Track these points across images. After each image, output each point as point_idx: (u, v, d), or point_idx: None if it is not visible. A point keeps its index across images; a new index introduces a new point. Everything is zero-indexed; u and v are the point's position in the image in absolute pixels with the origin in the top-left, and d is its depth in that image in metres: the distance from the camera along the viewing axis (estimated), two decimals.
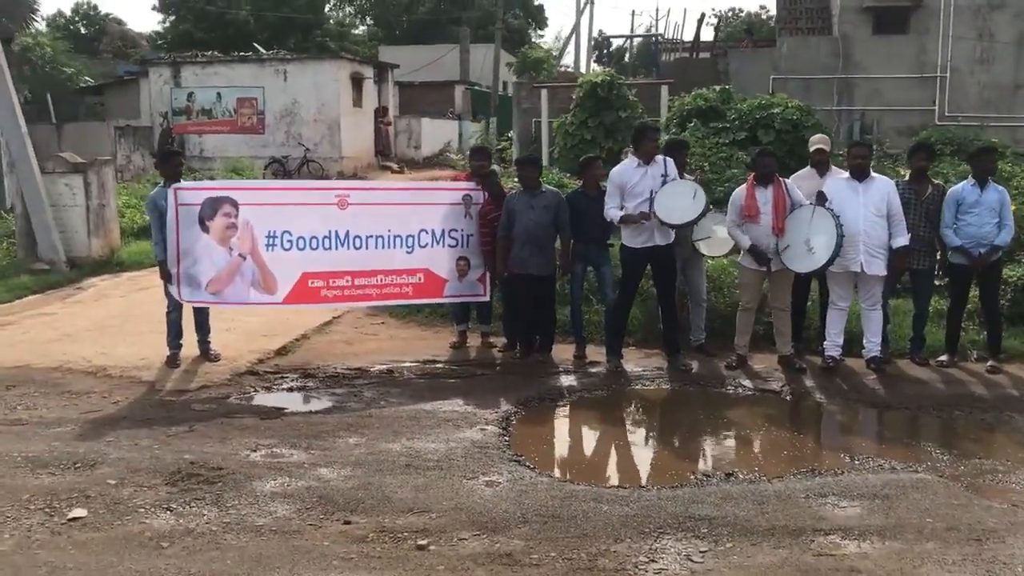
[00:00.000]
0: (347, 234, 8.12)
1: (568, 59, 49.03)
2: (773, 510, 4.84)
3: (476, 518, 4.78)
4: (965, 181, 7.78)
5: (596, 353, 8.25)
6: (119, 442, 6.02)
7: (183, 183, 7.98)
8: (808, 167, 8.22)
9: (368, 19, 57.92)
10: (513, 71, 34.86)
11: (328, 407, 6.93)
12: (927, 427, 6.56)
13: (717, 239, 8.17)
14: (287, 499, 5.06)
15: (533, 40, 56.83)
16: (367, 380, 7.62)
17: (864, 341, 7.79)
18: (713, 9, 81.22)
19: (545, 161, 17.38)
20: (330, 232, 8.08)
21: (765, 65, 19.01)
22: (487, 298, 8.68)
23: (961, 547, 4.38)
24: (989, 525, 4.63)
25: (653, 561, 4.29)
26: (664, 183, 7.57)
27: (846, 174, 7.82)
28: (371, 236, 8.20)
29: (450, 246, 8.46)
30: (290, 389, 7.45)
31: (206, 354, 8.08)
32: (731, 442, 6.39)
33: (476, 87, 37.76)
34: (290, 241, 7.97)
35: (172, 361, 7.91)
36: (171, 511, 4.90)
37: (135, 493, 5.14)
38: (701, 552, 4.38)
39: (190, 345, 8.14)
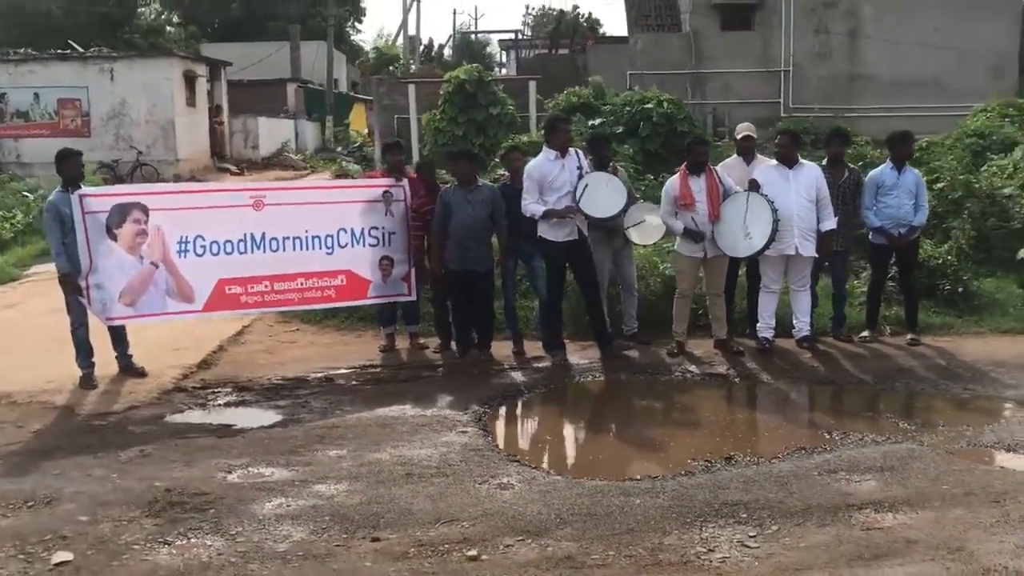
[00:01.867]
0: (263, 236, 7.62)
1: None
2: (798, 490, 4.89)
3: (511, 523, 4.56)
4: (884, 165, 8.20)
5: (532, 348, 8.14)
6: (67, 474, 5.37)
7: (88, 188, 7.25)
8: (735, 155, 8.43)
9: (177, 17, 55.14)
10: (359, 67, 34.07)
11: (282, 420, 6.48)
12: (879, 400, 6.83)
13: (647, 227, 8.21)
14: (296, 520, 4.65)
15: (352, 36, 55.96)
16: (309, 390, 7.19)
17: (794, 321, 8.07)
18: (527, 7, 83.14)
19: (415, 158, 17.09)
20: (245, 235, 7.56)
21: (621, 61, 19.49)
22: (414, 297, 8.37)
23: (987, 509, 4.57)
24: (997, 487, 4.87)
25: (711, 551, 4.23)
26: (580, 175, 7.54)
27: (771, 161, 8.07)
28: (288, 238, 7.73)
29: (371, 245, 8.09)
30: (228, 404, 6.93)
31: (129, 369, 7.40)
32: (709, 426, 6.42)
33: (309, 85, 36.70)
34: (203, 246, 7.40)
35: (87, 382, 7.17)
36: (170, 545, 4.40)
37: (118, 529, 4.59)
38: (751, 537, 4.36)
39: (102, 363, 7.41)
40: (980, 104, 15.71)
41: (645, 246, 8.64)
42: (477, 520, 4.61)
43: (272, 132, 31.04)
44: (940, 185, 10.89)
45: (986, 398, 6.71)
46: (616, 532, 4.43)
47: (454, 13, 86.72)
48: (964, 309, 8.91)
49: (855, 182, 8.24)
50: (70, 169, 7.18)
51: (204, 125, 27.48)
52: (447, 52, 48.42)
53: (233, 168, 27.38)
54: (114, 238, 7.00)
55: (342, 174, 19.76)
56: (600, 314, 7.88)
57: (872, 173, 8.24)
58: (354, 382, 7.40)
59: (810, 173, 7.84)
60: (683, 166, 7.99)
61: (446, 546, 4.32)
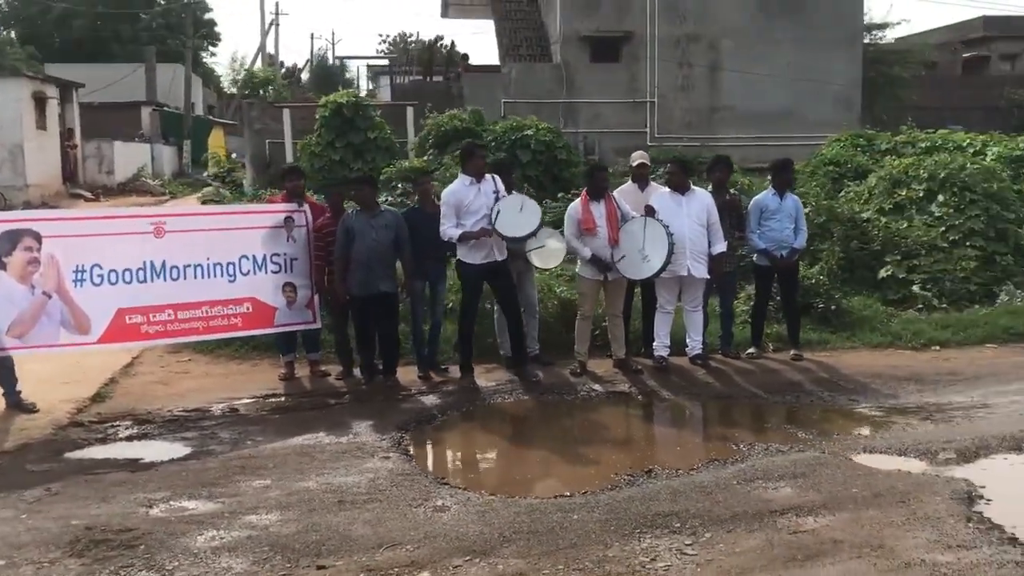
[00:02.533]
0: (163, 264, 7.42)
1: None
2: (723, 499, 5.13)
3: (455, 544, 4.61)
4: (767, 191, 8.71)
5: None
6: None
7: None
8: (630, 182, 8.74)
9: (14, 35, 52.15)
10: (238, 90, 33.07)
11: (192, 452, 6.28)
12: (774, 412, 7.23)
13: (548, 251, 8.41)
14: (234, 552, 4.55)
15: (204, 59, 54.53)
16: (214, 420, 7.00)
17: (687, 339, 8.44)
18: (381, 34, 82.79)
19: None
20: (145, 263, 7.34)
21: (495, 89, 19.82)
22: (318, 324, 8.29)
23: (896, 509, 4.93)
24: (900, 488, 5.25)
25: (653, 560, 4.40)
26: (497, 199, 7.72)
27: (665, 189, 8.44)
28: (189, 265, 7.54)
29: (273, 272, 7.98)
30: (131, 438, 6.68)
31: (18, 406, 6.99)
32: (623, 442, 6.63)
33: (165, 108, 35.51)
34: (100, 275, 7.14)
35: None
36: None
37: (40, 572, 4.37)
38: (688, 545, 4.55)
39: None
40: (834, 135, 16.81)
41: (545, 270, 8.84)
42: (420, 543, 4.63)
43: (128, 157, 29.90)
44: (806, 210, 11.58)
45: (870, 408, 7.20)
46: (560, 547, 4.54)
47: (312, 37, 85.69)
48: (837, 326, 9.50)
49: (737, 206, 8.72)
50: None
51: (55, 149, 26.23)
52: (304, 76, 47.81)
53: (87, 194, 26.19)
54: (3, 267, 6.66)
55: (210, 201, 19.25)
56: (520, 334, 8.03)
57: (756, 198, 8.74)
58: (261, 412, 7.25)
59: (701, 199, 8.25)
60: (584, 192, 8.24)
61: (395, 570, 4.33)
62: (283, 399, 7.62)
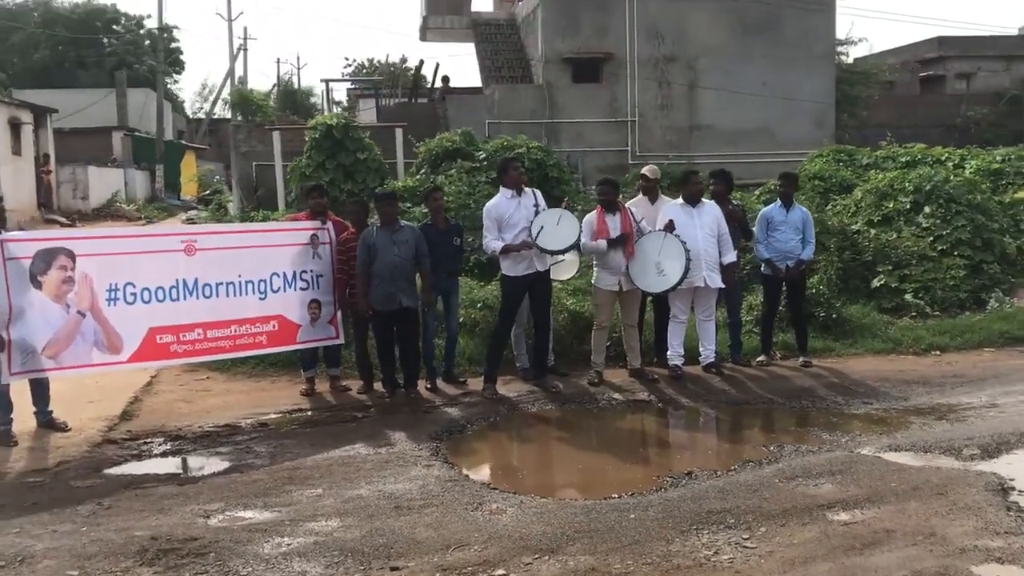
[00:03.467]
0: (196, 282, 7.45)
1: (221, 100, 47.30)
2: (770, 496, 5.31)
3: (521, 543, 4.73)
4: (774, 203, 8.97)
5: (443, 384, 8.36)
6: (28, 531, 5.09)
7: (10, 233, 6.89)
8: (640, 195, 8.96)
9: None
10: (228, 109, 32.85)
11: (233, 465, 6.34)
12: (794, 416, 7.44)
13: (563, 263, 8.60)
14: (305, 557, 4.64)
15: (169, 85, 54.29)
16: (247, 435, 7.06)
17: (701, 348, 8.65)
18: (347, 58, 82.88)
19: (281, 205, 16.89)
20: (177, 281, 7.37)
21: (479, 110, 20.04)
22: (341, 340, 8.38)
23: (936, 500, 5.14)
24: (935, 481, 5.47)
25: (716, 553, 4.56)
26: (537, 213, 7.89)
27: (675, 201, 8.66)
28: (222, 283, 7.59)
29: (302, 289, 8.07)
30: (166, 453, 6.71)
31: (51, 425, 6.99)
32: (653, 446, 6.81)
33: (136, 133, 35.30)
34: (134, 294, 7.15)
35: (5, 439, 6.74)
36: None
37: None
38: (745, 539, 4.72)
39: (17, 419, 6.99)
40: (811, 151, 17.22)
41: (560, 282, 9.01)
42: (487, 543, 4.74)
43: (102, 182, 29.73)
44: None
45: (885, 410, 7.43)
46: (625, 544, 4.68)
47: (278, 62, 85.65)
48: (838, 333, 9.78)
49: (742, 216, 8.99)
50: None
51: (30, 174, 26.06)
52: (271, 101, 47.69)
53: (63, 219, 25.98)
54: (39, 286, 6.67)
55: (192, 223, 19.23)
56: (547, 346, 8.19)
57: (763, 211, 9.01)
58: (292, 426, 7.32)
59: (712, 212, 8.48)
60: (599, 205, 8.43)
61: (469, 569, 4.45)
62: (310, 413, 7.69)
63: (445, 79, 23.48)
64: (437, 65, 32.08)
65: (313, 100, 60.99)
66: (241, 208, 17.76)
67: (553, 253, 7.88)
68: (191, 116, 56.54)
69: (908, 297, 10.92)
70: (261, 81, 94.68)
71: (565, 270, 8.73)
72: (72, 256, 6.83)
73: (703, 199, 8.59)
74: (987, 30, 55.79)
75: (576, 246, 7.90)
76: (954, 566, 4.27)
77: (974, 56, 42.11)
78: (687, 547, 4.64)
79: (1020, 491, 5.29)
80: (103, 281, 6.96)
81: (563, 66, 20.56)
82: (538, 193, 8.08)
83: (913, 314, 10.66)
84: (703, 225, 8.38)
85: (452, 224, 8.66)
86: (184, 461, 6.54)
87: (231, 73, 44.21)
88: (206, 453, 6.69)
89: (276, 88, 56.71)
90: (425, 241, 8.07)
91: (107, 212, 28.28)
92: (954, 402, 7.51)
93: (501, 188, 8.14)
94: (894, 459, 6.01)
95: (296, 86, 59.61)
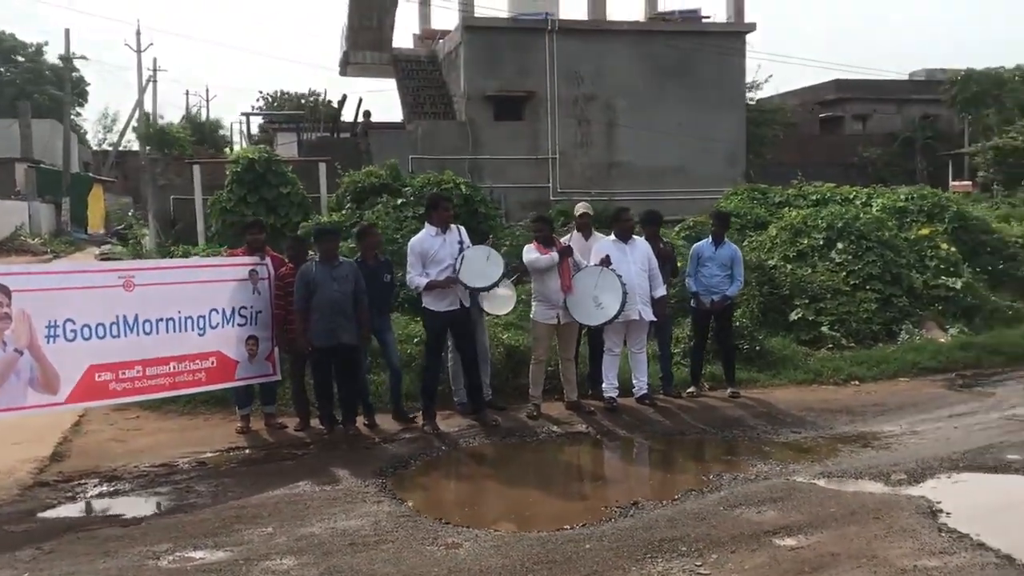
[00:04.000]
0: (136, 318, 7.29)
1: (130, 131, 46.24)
2: (717, 523, 5.49)
3: None
4: (705, 240, 9.29)
5: (382, 420, 8.31)
6: None
7: None
8: (574, 231, 9.16)
9: None
10: (136, 141, 31.92)
11: (176, 505, 6.24)
12: (728, 445, 7.67)
13: (498, 297, 8.71)
14: None
15: (72, 115, 52.96)
16: (186, 475, 6.94)
17: (633, 380, 8.86)
18: (261, 92, 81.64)
19: (201, 240, 16.62)
20: (117, 317, 7.18)
21: (402, 146, 20.14)
22: (278, 377, 8.31)
23: (874, 524, 5.40)
24: (871, 506, 5.74)
25: None
26: (461, 249, 8.00)
27: (607, 237, 8.89)
28: (161, 319, 7.45)
29: (240, 325, 7.99)
30: (103, 495, 6.57)
31: None
32: (596, 478, 6.94)
33: (41, 165, 34.20)
34: (74, 331, 6.93)
35: None
36: None
37: None
38: (699, 566, 4.87)
39: None
40: (726, 189, 17.83)
41: (496, 316, 9.12)
42: None
43: (5, 215, 28.70)
44: None
45: (812, 438, 7.73)
46: (584, 574, 4.79)
47: (187, 94, 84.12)
48: (761, 365, 10.13)
49: (670, 255, 9.29)
50: None
51: None
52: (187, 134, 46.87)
53: None
54: None
55: (107, 258, 18.74)
56: (478, 381, 8.25)
57: (695, 246, 9.33)
58: (231, 464, 7.22)
59: (643, 248, 8.75)
60: (534, 239, 8.59)
61: None
62: (248, 451, 7.60)
63: (367, 114, 23.53)
64: (360, 100, 32.09)
65: (222, 132, 60.24)
66: (158, 243, 17.40)
67: (477, 290, 7.97)
68: (95, 148, 55.15)
69: (825, 329, 11.36)
70: (170, 112, 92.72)
71: (502, 305, 8.84)
72: (8, 292, 6.62)
73: (634, 235, 8.84)
74: (882, 75, 58.61)
75: (498, 284, 8.00)
76: None
77: (869, 99, 44.31)
78: (644, 575, 4.76)
79: (948, 513, 5.58)
80: (42, 318, 6.75)
81: (485, 104, 20.87)
82: (463, 230, 8.21)
83: (830, 346, 11.09)
84: (635, 260, 8.62)
85: (382, 261, 8.64)
86: (123, 502, 6.38)
87: (140, 104, 43.29)
88: (145, 493, 6.56)
89: (185, 120, 55.74)
90: (363, 278, 8.09)
91: (11, 246, 27.25)
92: (876, 430, 7.86)
93: (427, 224, 8.21)
94: (829, 486, 6.27)
95: (205, 118, 58.76)
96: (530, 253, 8.43)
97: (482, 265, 7.94)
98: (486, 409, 8.39)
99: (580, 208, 9.20)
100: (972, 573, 4.63)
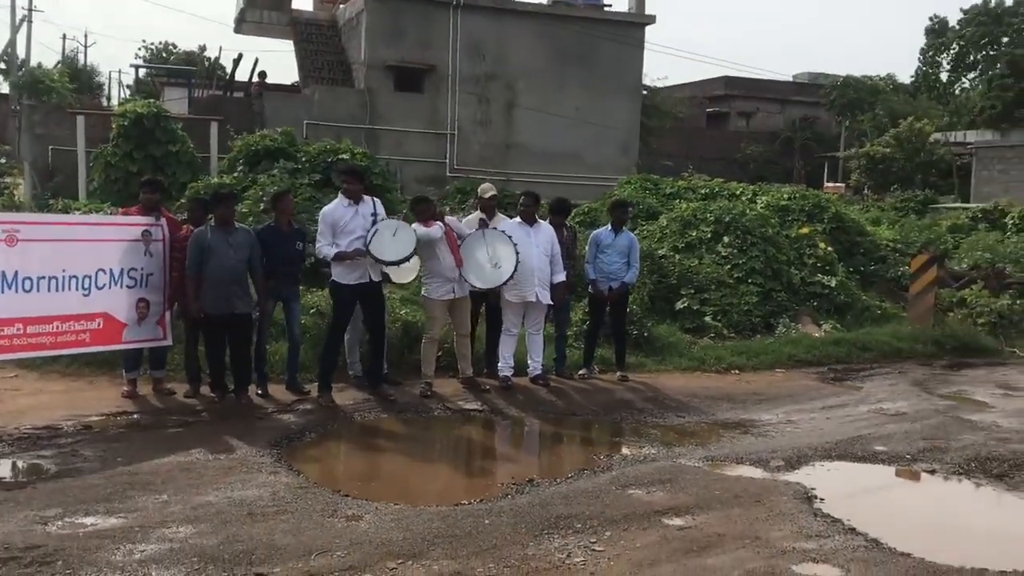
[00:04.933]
0: (15, 275, 7.01)
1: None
2: (610, 502, 5.70)
3: (384, 549, 4.84)
4: (605, 227, 9.51)
5: (275, 391, 8.25)
6: None
7: None
8: (477, 212, 9.23)
9: None
10: (12, 87, 29.93)
11: (63, 469, 6.05)
12: (617, 427, 7.94)
13: (403, 268, 8.70)
14: (163, 564, 4.54)
15: None
16: (71, 438, 6.74)
17: (529, 360, 9.04)
18: (144, 41, 78.15)
19: (82, 195, 15.92)
20: None
21: (299, 110, 19.72)
22: (169, 342, 8.11)
23: (756, 508, 5.70)
24: (752, 490, 6.04)
25: (569, 556, 4.87)
26: (375, 222, 7.97)
27: (512, 220, 9.00)
28: (43, 277, 7.18)
29: (128, 287, 7.76)
30: None
31: None
32: (490, 455, 7.07)
33: None
34: None
35: None
36: None
37: None
38: (593, 543, 5.06)
39: None
40: (619, 177, 18.23)
41: (400, 285, 9.13)
42: (349, 549, 4.82)
43: None
44: None
45: (696, 423, 8.08)
46: (484, 548, 4.90)
47: (63, 38, 79.73)
48: (648, 351, 10.48)
49: (573, 240, 9.48)
50: None
51: None
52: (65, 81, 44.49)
53: None
54: None
55: None
56: (382, 355, 8.24)
57: (594, 233, 9.55)
58: (119, 429, 7.04)
59: (547, 232, 8.90)
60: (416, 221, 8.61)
61: (336, 574, 4.52)
62: (136, 416, 7.42)
63: (262, 74, 22.87)
64: (256, 60, 31.11)
65: (99, 80, 57.48)
66: (34, 195, 16.57)
67: (386, 264, 7.97)
68: None
69: (708, 319, 11.83)
70: (45, 56, 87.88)
71: (406, 274, 8.85)
72: None
73: (539, 219, 8.98)
74: (766, 74, 60.74)
75: (409, 259, 8.02)
76: (778, 566, 4.79)
77: (755, 97, 45.88)
78: (542, 551, 4.92)
79: (822, 499, 5.94)
80: None
81: (386, 73, 20.65)
82: (378, 202, 8.16)
83: (712, 335, 11.56)
84: (539, 243, 8.77)
85: (295, 228, 8.51)
86: (4, 465, 6.15)
87: (12, 45, 40.77)
88: (27, 456, 6.37)
89: (60, 65, 52.94)
90: (259, 245, 7.95)
91: None
92: (755, 418, 8.26)
93: (339, 195, 8.15)
94: (713, 469, 6.58)
95: (83, 65, 55.92)
96: (419, 229, 8.44)
97: (392, 240, 7.92)
98: (382, 384, 8.41)
99: (488, 190, 9.27)
100: (845, 555, 4.95)
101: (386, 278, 8.54)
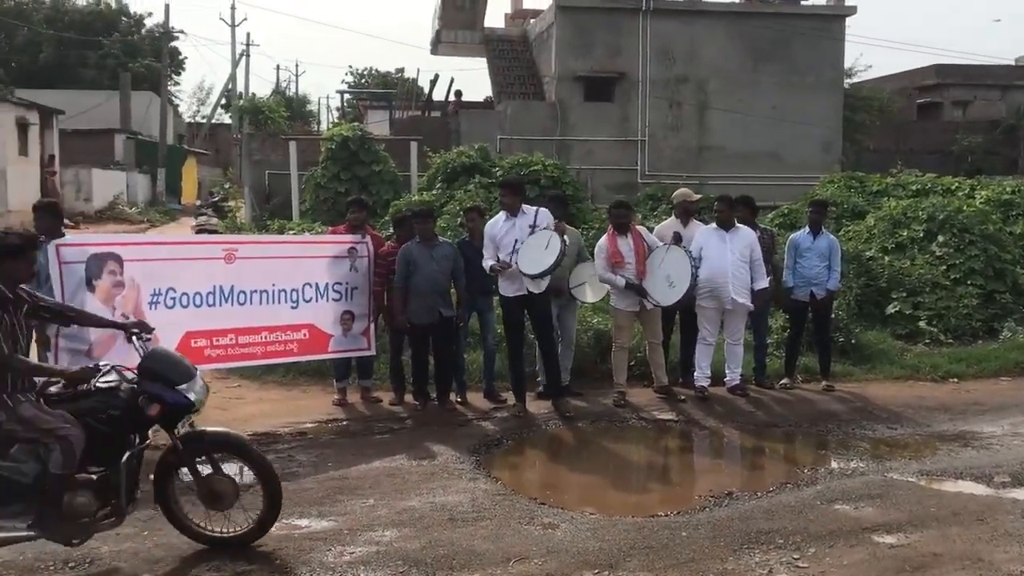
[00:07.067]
0: (231, 290, 7.63)
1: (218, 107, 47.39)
2: (814, 517, 5.46)
3: (580, 558, 4.86)
4: (802, 230, 9.15)
5: (473, 398, 8.47)
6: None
7: (65, 238, 7.03)
8: (672, 217, 9.11)
9: None
10: (235, 117, 32.65)
11: (281, 473, 6.32)
12: (823, 439, 7.59)
13: (594, 286, 8.70)
14: (370, 566, 4.76)
15: (169, 87, 54.46)
16: (288, 444, 7.18)
17: (727, 370, 8.79)
18: (350, 66, 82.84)
19: (295, 215, 17.01)
20: (215, 288, 7.56)
21: (491, 126, 20.23)
22: (373, 352, 8.51)
23: (978, 527, 5.30)
24: (972, 508, 5.63)
25: (770, 572, 4.70)
26: (533, 232, 7.97)
27: (708, 225, 8.80)
28: (256, 291, 7.76)
29: (334, 300, 8.21)
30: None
31: None
32: (688, 466, 6.96)
33: (139, 136, 35.36)
34: (174, 298, 7.33)
35: None
36: None
37: None
38: (796, 559, 4.86)
39: None
40: (821, 176, 17.46)
41: (591, 304, 9.14)
42: (546, 557, 4.87)
43: (104, 184, 29.77)
44: None
45: (910, 435, 7.59)
46: (681, 561, 4.82)
47: (277, 69, 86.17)
48: (856, 359, 9.95)
49: (770, 242, 9.15)
50: (49, 219, 7.03)
51: (36, 175, 26.02)
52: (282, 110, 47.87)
53: (67, 221, 25.94)
54: (92, 289, 6.80)
55: (204, 229, 19.28)
56: (555, 366, 8.27)
57: (791, 237, 9.19)
58: (330, 436, 7.44)
59: (745, 237, 8.62)
60: (610, 227, 8.57)
61: None
62: (345, 423, 7.81)
63: (458, 93, 23.67)
64: (452, 80, 32.43)
65: (309, 107, 61.23)
66: (254, 216, 17.87)
67: (530, 277, 7.81)
68: (188, 120, 56.67)
69: (922, 324, 11.09)
70: (259, 86, 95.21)
71: (591, 292, 8.81)
72: (120, 261, 6.97)
73: (737, 224, 8.71)
74: (984, 60, 56.49)
75: (548, 273, 7.80)
76: None
77: (971, 85, 42.59)
78: (741, 566, 4.78)
79: None
80: (147, 286, 7.12)
81: (576, 84, 20.81)
82: (541, 213, 8.05)
83: (927, 341, 10.83)
84: (734, 249, 8.51)
85: None
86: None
87: (233, 79, 44.37)
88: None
89: (278, 95, 56.88)
90: (462, 259, 8.22)
91: (110, 215, 28.32)
92: (977, 430, 7.67)
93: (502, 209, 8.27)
94: (928, 484, 6.16)
95: (294, 93, 59.85)
96: (600, 256, 8.38)
97: (540, 252, 7.83)
98: (564, 397, 8.37)
99: (680, 195, 9.11)
100: None
101: (566, 293, 8.56)
